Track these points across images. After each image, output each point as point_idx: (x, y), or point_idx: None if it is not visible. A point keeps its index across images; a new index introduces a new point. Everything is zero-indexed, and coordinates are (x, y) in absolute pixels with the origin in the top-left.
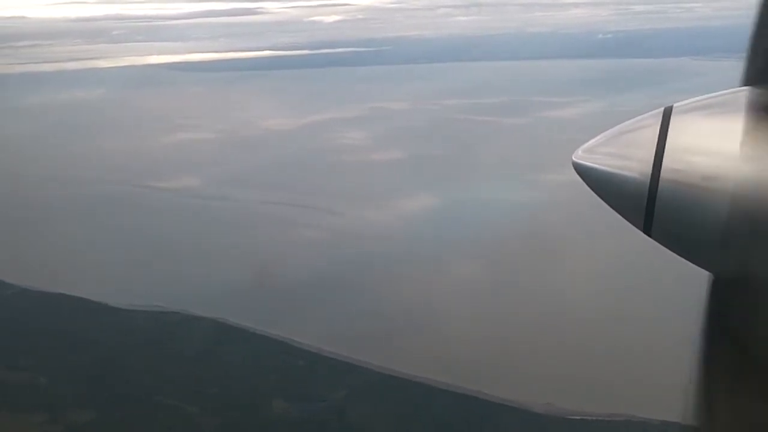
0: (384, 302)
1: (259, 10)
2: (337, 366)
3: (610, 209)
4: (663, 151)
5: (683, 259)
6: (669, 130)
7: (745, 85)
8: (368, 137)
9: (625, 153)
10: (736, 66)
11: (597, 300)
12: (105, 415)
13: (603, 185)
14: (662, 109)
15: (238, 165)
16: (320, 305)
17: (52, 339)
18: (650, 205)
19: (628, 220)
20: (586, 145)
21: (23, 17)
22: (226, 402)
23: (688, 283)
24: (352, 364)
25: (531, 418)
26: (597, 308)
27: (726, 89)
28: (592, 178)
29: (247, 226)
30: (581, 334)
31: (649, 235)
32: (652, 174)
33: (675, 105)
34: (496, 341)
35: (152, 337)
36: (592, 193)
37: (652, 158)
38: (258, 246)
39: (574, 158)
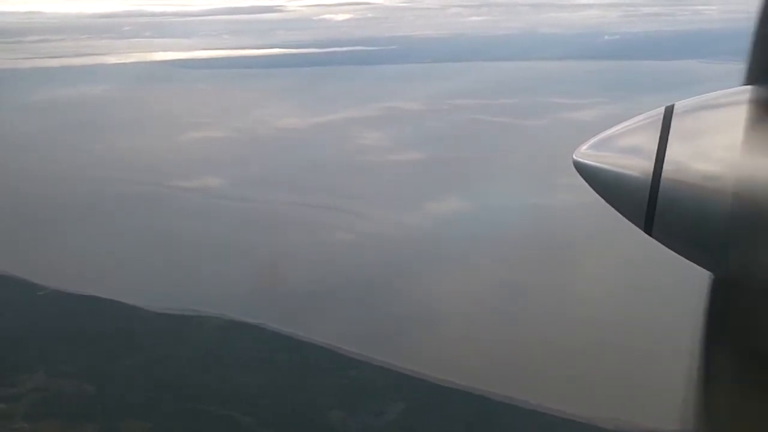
0: (426, 308)
1: (278, 8)
2: (391, 376)
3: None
4: (664, 150)
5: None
6: (670, 129)
7: (747, 84)
8: (385, 137)
9: (626, 152)
10: (743, 69)
11: (643, 308)
12: (161, 426)
13: (604, 184)
14: (663, 108)
15: (257, 165)
16: (361, 310)
17: (90, 344)
18: (651, 204)
19: (629, 219)
20: (587, 143)
21: (39, 12)
22: (281, 413)
23: None
24: (405, 374)
25: None
26: (645, 317)
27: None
28: (593, 177)
29: (276, 228)
30: (634, 342)
31: (650, 235)
32: (654, 173)
33: (676, 104)
34: (549, 349)
35: (196, 344)
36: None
37: (654, 157)
38: (290, 249)
39: (575, 156)
